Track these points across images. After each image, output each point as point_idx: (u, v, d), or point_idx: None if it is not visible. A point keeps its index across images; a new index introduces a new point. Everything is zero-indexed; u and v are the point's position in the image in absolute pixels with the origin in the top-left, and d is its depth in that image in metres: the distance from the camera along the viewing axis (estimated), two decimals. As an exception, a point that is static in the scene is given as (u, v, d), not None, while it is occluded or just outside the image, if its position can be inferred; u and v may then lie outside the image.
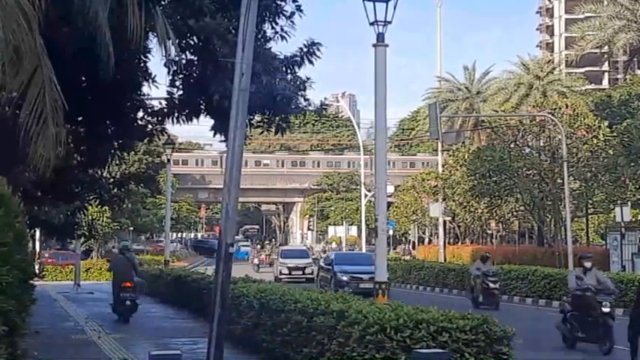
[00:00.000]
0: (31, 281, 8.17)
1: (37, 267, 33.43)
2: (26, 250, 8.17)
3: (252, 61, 9.71)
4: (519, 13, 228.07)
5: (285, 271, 42.19)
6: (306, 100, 15.51)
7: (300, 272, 42.13)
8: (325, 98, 16.18)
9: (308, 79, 15.38)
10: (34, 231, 27.20)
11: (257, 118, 16.29)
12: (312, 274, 40.32)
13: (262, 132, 17.47)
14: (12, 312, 6.57)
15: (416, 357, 7.31)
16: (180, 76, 15.27)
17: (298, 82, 15.21)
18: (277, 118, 15.81)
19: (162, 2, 13.97)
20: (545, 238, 43.52)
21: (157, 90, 16.35)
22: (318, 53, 15.26)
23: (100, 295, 31.65)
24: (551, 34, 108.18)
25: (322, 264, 35.10)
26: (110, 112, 16.03)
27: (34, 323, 7.80)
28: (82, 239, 30.10)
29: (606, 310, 16.34)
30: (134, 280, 21.09)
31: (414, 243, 72.00)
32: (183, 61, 14.80)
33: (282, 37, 15.10)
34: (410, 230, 71.24)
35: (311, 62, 15.25)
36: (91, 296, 31.10)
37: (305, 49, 15.20)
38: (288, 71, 15.16)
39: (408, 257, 59.33)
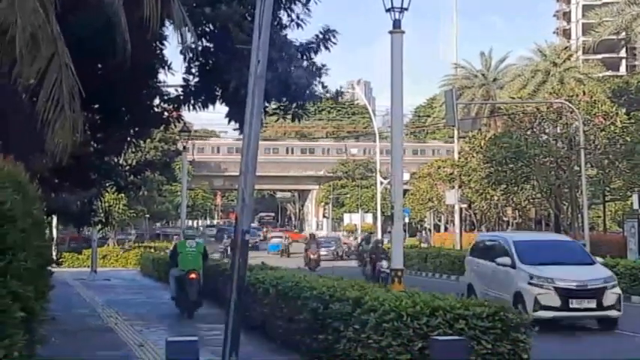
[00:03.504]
0: (49, 267, 8.21)
1: (54, 253, 33.70)
2: (44, 236, 8.20)
3: (268, 48, 9.67)
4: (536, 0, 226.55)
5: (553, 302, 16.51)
6: (324, 87, 15.55)
7: (593, 304, 16.60)
8: (341, 87, 16.19)
9: (323, 65, 15.44)
10: (52, 218, 27.30)
11: (273, 105, 16.31)
12: (616, 306, 16.77)
13: (278, 119, 17.47)
14: (30, 298, 6.59)
15: (433, 344, 7.28)
16: (197, 63, 15.28)
17: (314, 69, 15.23)
18: (293, 105, 15.83)
19: (179, -11, 13.94)
20: (561, 226, 43.28)
21: (173, 77, 16.37)
22: (333, 40, 15.32)
23: (116, 282, 31.83)
24: (569, 21, 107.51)
25: None
26: (126, 99, 16.04)
27: (51, 309, 7.85)
28: (99, 226, 30.09)
29: None
30: None
31: (429, 230, 71.86)
32: (200, 49, 14.79)
33: (298, 25, 15.13)
34: (425, 218, 71.05)
35: (327, 48, 15.33)
36: (108, 283, 31.25)
37: (321, 36, 15.24)
38: (304, 58, 15.18)
39: (425, 245, 59.19)
